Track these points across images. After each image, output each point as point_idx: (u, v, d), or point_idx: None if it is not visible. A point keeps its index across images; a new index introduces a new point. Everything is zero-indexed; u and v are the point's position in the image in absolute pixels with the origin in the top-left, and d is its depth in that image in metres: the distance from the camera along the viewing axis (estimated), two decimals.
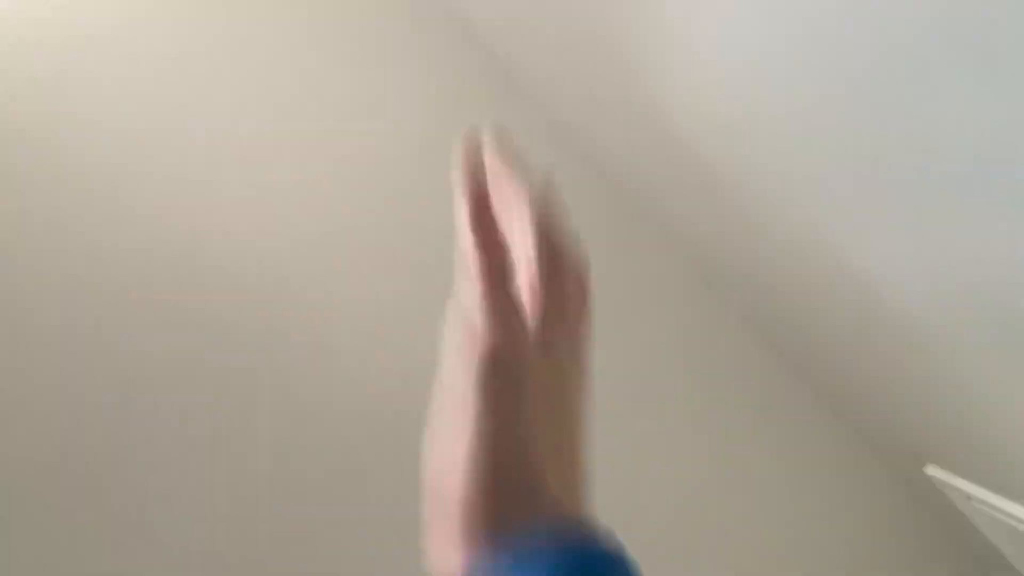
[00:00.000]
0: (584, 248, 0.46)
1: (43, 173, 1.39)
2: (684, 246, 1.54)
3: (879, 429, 1.49)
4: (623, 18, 0.92)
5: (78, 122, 1.40)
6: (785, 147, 0.85)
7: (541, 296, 0.38)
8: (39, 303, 1.41)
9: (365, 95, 1.49)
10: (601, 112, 1.28)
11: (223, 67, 1.45)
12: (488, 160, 0.40)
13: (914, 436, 1.33)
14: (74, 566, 1.33)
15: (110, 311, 1.42)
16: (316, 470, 1.42)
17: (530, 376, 0.35)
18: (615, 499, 1.44)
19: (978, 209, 0.64)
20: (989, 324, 0.79)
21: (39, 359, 1.38)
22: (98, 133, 1.41)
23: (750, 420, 1.65)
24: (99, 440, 1.39)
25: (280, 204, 1.47)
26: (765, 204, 1.03)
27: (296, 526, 1.40)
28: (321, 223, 1.49)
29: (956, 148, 0.60)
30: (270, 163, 1.47)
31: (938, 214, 0.70)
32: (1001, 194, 0.60)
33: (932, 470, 1.36)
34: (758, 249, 1.20)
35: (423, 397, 1.15)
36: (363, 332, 1.49)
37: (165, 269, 1.43)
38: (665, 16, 0.83)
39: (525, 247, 0.39)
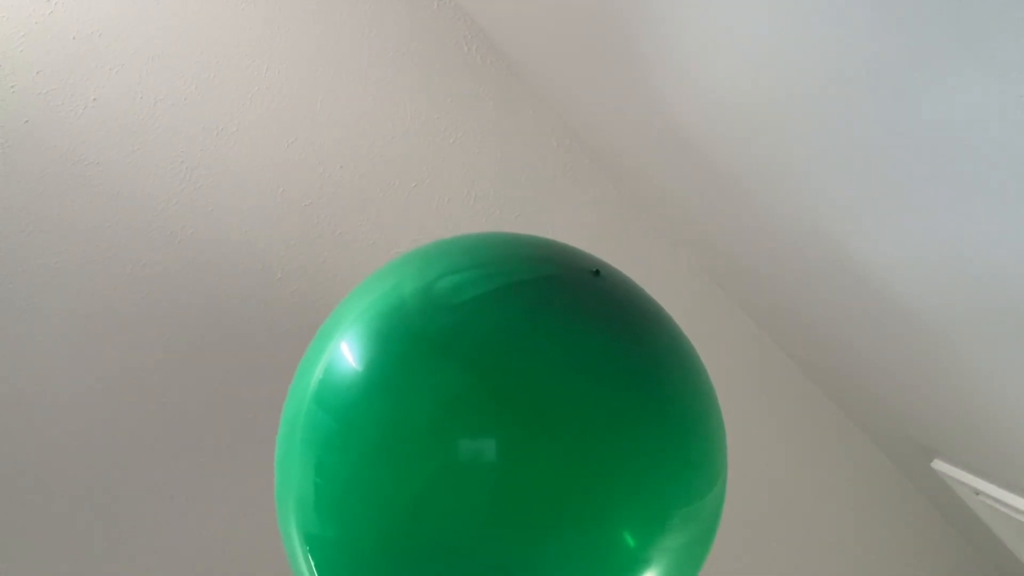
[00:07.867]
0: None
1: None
2: (691, 242, 1.54)
3: (886, 424, 1.49)
4: (630, 15, 0.92)
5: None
6: (792, 142, 0.85)
7: None
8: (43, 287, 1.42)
9: (373, 95, 1.49)
10: (609, 109, 1.27)
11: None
12: None
13: (921, 431, 1.33)
14: None
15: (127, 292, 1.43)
16: None
17: None
18: None
19: (986, 200, 0.64)
20: (997, 318, 0.79)
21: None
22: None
23: (755, 415, 1.65)
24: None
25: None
26: (773, 200, 1.02)
27: None
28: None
29: (961, 139, 0.60)
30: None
31: (946, 206, 0.70)
32: (1008, 184, 0.60)
33: (939, 465, 1.36)
34: (764, 245, 1.19)
35: None
36: None
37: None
38: (671, 13, 0.83)
39: None
